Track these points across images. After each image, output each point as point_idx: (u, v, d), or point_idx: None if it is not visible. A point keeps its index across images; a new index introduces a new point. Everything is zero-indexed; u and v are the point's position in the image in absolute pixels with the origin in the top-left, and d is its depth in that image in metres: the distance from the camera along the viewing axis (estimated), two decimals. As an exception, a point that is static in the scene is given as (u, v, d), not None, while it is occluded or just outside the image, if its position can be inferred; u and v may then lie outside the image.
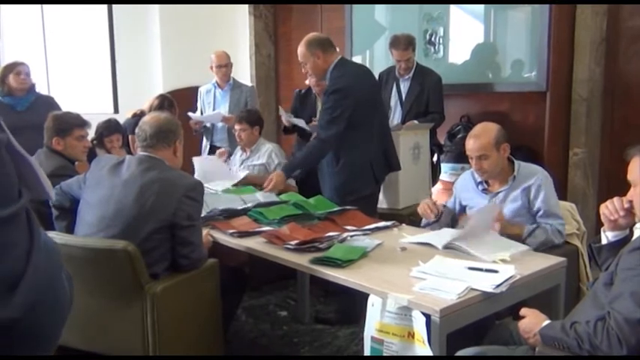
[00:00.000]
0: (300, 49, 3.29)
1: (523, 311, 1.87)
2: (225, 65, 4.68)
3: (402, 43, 4.05)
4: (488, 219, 2.54)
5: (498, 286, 1.96)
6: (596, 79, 4.01)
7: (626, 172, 1.84)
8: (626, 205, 1.85)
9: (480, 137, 2.67)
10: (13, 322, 0.67)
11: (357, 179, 3.30)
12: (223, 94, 4.75)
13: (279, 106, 4.11)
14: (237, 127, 4.11)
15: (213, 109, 4.74)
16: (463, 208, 2.91)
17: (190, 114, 4.63)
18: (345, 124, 3.20)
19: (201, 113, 4.82)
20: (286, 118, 4.11)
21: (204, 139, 4.84)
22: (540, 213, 2.66)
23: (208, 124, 4.75)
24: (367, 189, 3.35)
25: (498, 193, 2.75)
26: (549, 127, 4.10)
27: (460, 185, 2.96)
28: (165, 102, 4.42)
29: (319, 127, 3.28)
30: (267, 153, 4.08)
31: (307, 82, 4.11)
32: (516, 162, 2.76)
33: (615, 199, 1.89)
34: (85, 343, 2.41)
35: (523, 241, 2.54)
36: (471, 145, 2.68)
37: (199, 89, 4.90)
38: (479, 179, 2.82)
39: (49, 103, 4.25)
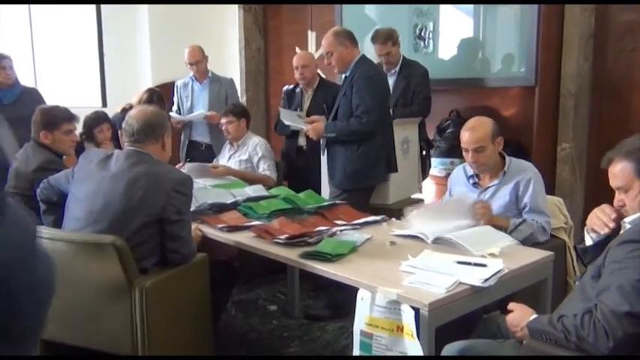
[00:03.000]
0: (328, 39, 3.42)
1: (511, 305, 1.89)
2: (196, 62, 4.60)
3: (381, 37, 4.04)
4: (463, 208, 2.62)
5: (487, 280, 1.98)
6: (584, 74, 4.03)
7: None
8: (612, 217, 1.85)
9: (477, 130, 2.68)
10: None
11: (371, 167, 3.41)
12: (202, 88, 4.71)
13: (279, 108, 4.06)
14: (223, 120, 4.08)
15: (191, 103, 4.70)
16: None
17: (172, 114, 4.58)
18: (382, 110, 3.36)
19: (178, 107, 4.78)
20: (291, 123, 3.85)
21: (182, 135, 4.77)
22: (527, 209, 2.68)
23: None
24: (378, 178, 3.51)
25: (488, 187, 2.76)
26: (538, 122, 4.11)
27: (453, 179, 2.99)
28: (154, 96, 4.39)
29: (361, 111, 3.32)
30: (252, 146, 4.06)
31: (296, 76, 4.09)
32: (507, 157, 2.78)
33: (601, 213, 1.89)
34: (74, 338, 2.40)
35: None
36: (467, 137, 2.69)
37: (176, 83, 4.85)
38: (470, 173, 2.84)
39: (35, 96, 4.22)
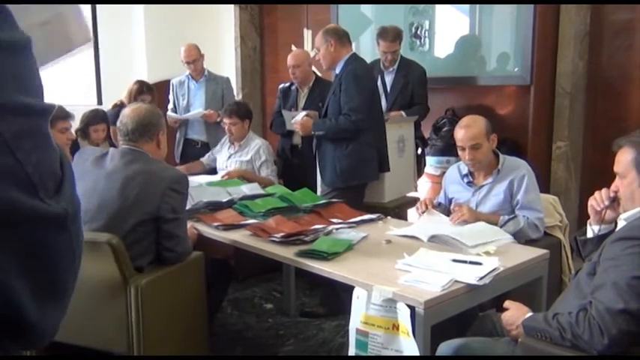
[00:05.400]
0: (317, 36, 3.50)
1: (506, 304, 1.90)
2: (193, 61, 4.58)
3: (390, 35, 4.05)
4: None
5: (482, 278, 1.98)
6: (580, 73, 4.04)
7: (608, 165, 1.86)
8: (611, 195, 1.89)
9: (472, 127, 2.69)
10: (67, 214, 0.64)
11: (362, 165, 3.40)
12: (198, 87, 4.70)
13: (283, 111, 4.07)
14: (226, 121, 4.03)
15: (187, 101, 4.69)
16: (450, 201, 2.94)
17: (169, 114, 4.56)
18: (370, 108, 3.36)
19: (174, 105, 4.76)
20: (290, 123, 3.88)
21: (178, 133, 4.75)
22: (518, 205, 2.69)
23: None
24: (369, 177, 3.48)
25: (482, 186, 2.77)
26: (533, 120, 4.12)
27: (447, 178, 2.99)
28: (144, 87, 4.38)
29: (349, 109, 3.32)
30: (255, 148, 4.03)
31: (291, 74, 4.09)
32: (501, 155, 2.78)
33: (603, 190, 1.94)
34: (70, 336, 2.39)
35: None
36: (462, 135, 2.70)
37: (171, 81, 4.83)
38: (464, 172, 2.84)
39: None
